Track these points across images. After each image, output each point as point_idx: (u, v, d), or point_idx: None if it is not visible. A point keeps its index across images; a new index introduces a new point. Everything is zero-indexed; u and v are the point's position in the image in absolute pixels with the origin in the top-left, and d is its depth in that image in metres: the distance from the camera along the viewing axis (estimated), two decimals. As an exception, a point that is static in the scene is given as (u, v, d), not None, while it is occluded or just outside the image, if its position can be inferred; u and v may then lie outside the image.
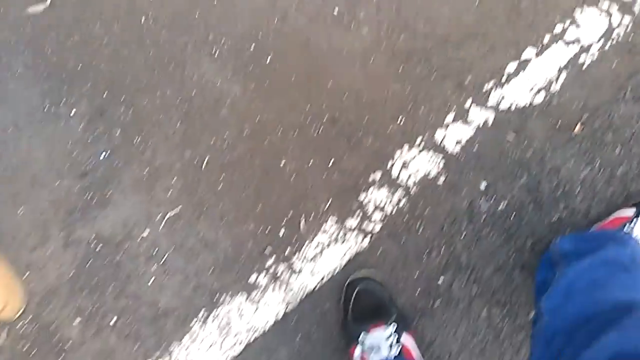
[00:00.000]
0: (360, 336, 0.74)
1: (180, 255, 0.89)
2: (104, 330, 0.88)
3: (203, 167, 0.90)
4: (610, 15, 0.86)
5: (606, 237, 0.67)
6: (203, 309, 0.87)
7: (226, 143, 0.89)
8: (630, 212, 0.73)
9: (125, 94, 0.93)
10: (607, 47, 0.85)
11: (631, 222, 0.71)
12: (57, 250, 0.92)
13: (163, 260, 0.89)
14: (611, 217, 0.75)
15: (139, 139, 0.92)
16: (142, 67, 0.92)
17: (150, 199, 0.90)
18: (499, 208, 0.82)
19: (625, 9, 0.87)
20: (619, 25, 0.86)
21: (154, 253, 0.90)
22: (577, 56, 0.86)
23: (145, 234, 0.90)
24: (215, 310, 0.85)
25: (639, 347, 0.42)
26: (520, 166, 0.83)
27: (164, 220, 0.90)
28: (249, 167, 0.89)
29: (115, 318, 0.88)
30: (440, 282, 0.82)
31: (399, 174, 0.85)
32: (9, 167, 0.94)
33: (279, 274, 0.85)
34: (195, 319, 0.87)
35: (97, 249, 0.90)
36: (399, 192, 0.85)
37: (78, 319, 0.89)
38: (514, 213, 0.82)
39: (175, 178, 0.90)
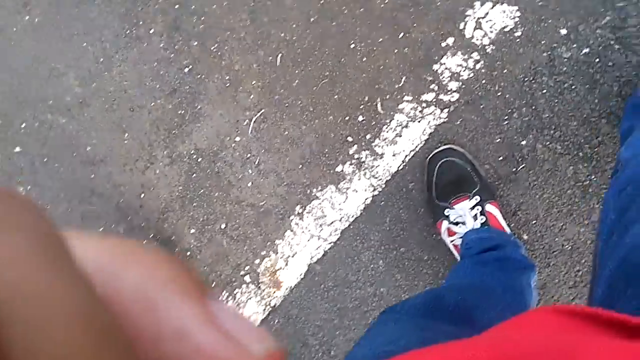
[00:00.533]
0: (445, 211, 1.29)
1: (270, 156, 1.57)
2: (216, 236, 1.66)
3: (278, 64, 1.49)
4: None
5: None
6: (298, 205, 1.55)
7: (295, 34, 1.43)
8: None
9: (194, 3, 1.61)
10: None
11: None
12: (164, 168, 1.72)
13: (256, 163, 1.60)
14: None
15: (215, 46, 1.57)
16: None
17: (235, 106, 1.59)
18: (582, 54, 1.22)
19: None
20: None
21: (248, 157, 1.61)
22: None
23: (237, 141, 1.62)
24: (309, 204, 1.47)
25: None
26: (603, 2, 1.19)
27: (251, 125, 1.60)
28: (321, 56, 1.43)
29: (224, 223, 1.67)
30: (523, 144, 1.29)
31: (472, 34, 1.29)
32: (108, 97, 1.77)
33: (362, 160, 1.42)
34: (293, 215, 1.52)
35: (198, 162, 1.68)
36: (474, 55, 1.30)
37: (193, 229, 1.72)
38: (598, 57, 1.21)
39: (254, 80, 1.51)
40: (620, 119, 1.20)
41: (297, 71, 1.47)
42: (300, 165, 1.49)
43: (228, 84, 1.53)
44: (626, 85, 1.21)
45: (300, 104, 1.47)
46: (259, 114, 1.52)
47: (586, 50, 1.23)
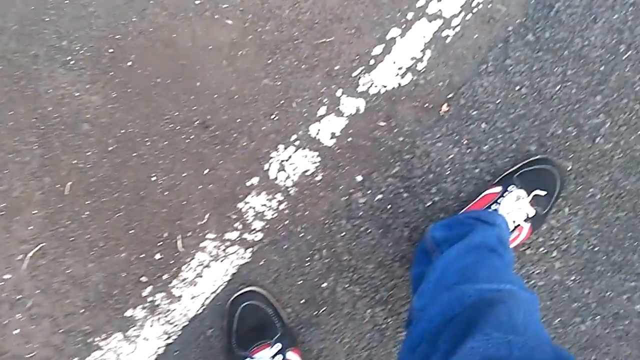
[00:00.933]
0: (245, 360, 1.33)
1: (47, 298, 1.48)
2: (-35, 402, 1.50)
3: (66, 192, 1.48)
4: (471, -16, 1.49)
5: (473, 219, 1.24)
6: (76, 357, 1.42)
7: (90, 162, 1.47)
8: (497, 189, 1.36)
9: None
10: (467, 19, 1.49)
11: (498, 199, 1.35)
12: None
13: (28, 305, 1.50)
14: (480, 197, 1.38)
15: None
16: (-13, 89, 1.57)
17: (9, 238, 1.49)
18: (375, 200, 1.46)
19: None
20: (479, -5, 1.49)
21: (18, 299, 1.50)
22: (440, 31, 1.49)
23: (6, 279, 1.52)
24: (89, 355, 1.43)
25: (501, 351, 0.80)
26: (392, 154, 1.47)
27: (27, 260, 1.53)
28: (117, 187, 1.47)
29: (-23, 383, 1.50)
30: (324, 286, 1.46)
31: (276, 176, 1.47)
32: None
33: (157, 303, 1.44)
34: (69, 371, 1.49)
35: (-50, 304, 1.54)
36: (278, 196, 1.46)
37: None
38: (390, 204, 1.46)
39: (35, 210, 1.46)
40: (411, 263, 1.40)
41: (88, 202, 1.48)
42: (83, 309, 1.46)
43: (3, 213, 1.49)
44: (415, 231, 1.45)
45: (89, 239, 1.47)
46: (37, 248, 1.48)
47: (379, 196, 1.47)
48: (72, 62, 1.53)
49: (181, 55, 1.53)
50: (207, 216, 1.48)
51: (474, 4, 1.51)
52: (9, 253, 1.47)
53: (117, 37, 1.54)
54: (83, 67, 1.53)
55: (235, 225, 1.48)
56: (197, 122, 1.51)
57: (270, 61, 1.52)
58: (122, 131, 1.51)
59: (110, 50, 1.53)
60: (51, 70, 1.53)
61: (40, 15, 1.55)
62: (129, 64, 1.53)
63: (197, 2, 1.54)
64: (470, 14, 1.51)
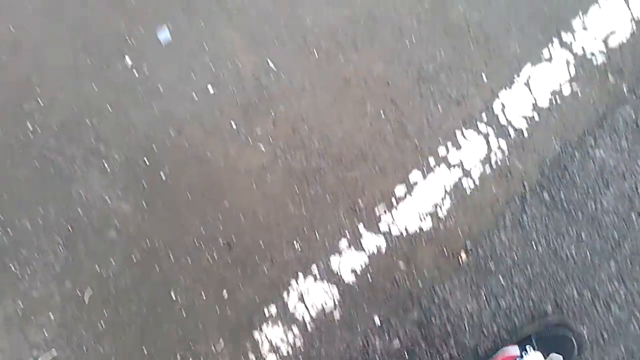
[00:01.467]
0: None
1: None
2: None
3: (85, 300, 1.39)
4: (488, 138, 1.49)
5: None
6: None
7: (112, 271, 1.38)
8: (515, 350, 1.27)
9: (3, 212, 1.42)
10: (486, 171, 1.46)
11: (518, 361, 1.28)
12: None
13: (34, 416, 1.39)
14: (498, 356, 1.29)
15: (16, 265, 1.40)
16: (24, 181, 1.42)
17: (22, 340, 1.35)
18: (393, 346, 1.36)
19: (501, 133, 1.49)
20: (496, 149, 1.48)
21: (24, 407, 1.39)
22: (460, 180, 1.46)
23: (12, 385, 1.41)
24: None
25: None
26: (411, 298, 1.39)
27: (36, 367, 1.41)
28: (136, 300, 1.38)
29: None
30: None
31: (295, 306, 1.38)
32: None
33: None
34: None
35: (-48, 405, 1.40)
36: (295, 330, 1.37)
37: None
38: (407, 352, 1.36)
39: (52, 313, 1.36)
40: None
41: (105, 312, 1.39)
42: None
43: (20, 312, 1.38)
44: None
45: (102, 352, 1.37)
46: (47, 355, 1.36)
47: (396, 342, 1.38)
48: (107, 168, 1.46)
49: (213, 173, 1.47)
50: (222, 342, 1.38)
51: (492, 158, 1.48)
52: (19, 356, 1.36)
53: (154, 148, 1.48)
54: (117, 174, 1.47)
55: (250, 356, 1.38)
56: (222, 241, 1.44)
57: (297, 189, 1.46)
58: (148, 243, 1.43)
59: (146, 160, 1.47)
60: (86, 172, 1.47)
61: (82, 117, 1.50)
62: (162, 176, 1.47)
63: (233, 125, 1.50)
64: (488, 167, 1.48)
